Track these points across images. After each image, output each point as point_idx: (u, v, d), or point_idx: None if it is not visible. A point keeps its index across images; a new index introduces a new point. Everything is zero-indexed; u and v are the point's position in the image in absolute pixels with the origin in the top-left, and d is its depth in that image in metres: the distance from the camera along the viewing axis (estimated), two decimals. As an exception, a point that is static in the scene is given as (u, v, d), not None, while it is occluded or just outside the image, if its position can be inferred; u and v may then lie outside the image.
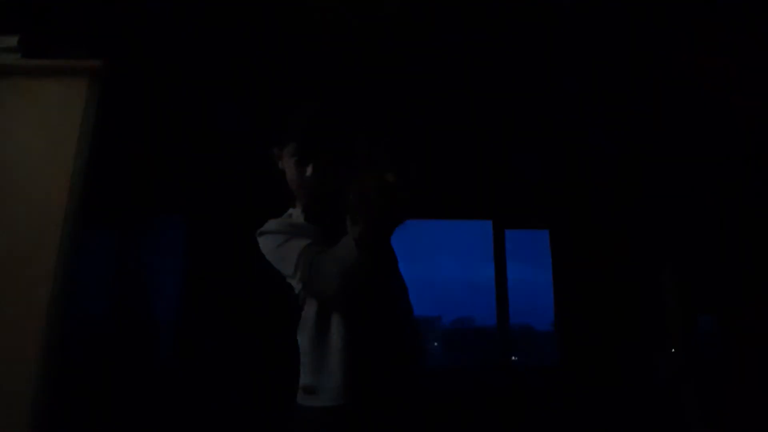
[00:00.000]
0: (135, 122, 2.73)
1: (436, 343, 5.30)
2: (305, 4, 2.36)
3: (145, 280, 2.21)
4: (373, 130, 3.50)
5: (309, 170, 1.27)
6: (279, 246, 1.29)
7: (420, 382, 1.29)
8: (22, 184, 1.45)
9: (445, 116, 3.37)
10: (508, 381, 3.43)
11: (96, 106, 1.53)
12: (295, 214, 1.37)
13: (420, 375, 1.31)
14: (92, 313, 1.62)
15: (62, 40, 1.75)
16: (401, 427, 1.18)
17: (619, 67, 2.81)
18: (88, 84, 1.53)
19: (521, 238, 3.82)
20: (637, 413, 3.33)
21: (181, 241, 2.94)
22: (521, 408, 3.35)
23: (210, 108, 3.23)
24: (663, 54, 2.67)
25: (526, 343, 3.83)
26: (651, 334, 3.51)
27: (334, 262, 1.15)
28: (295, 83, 3.01)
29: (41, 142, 1.48)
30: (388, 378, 1.22)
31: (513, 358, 3.58)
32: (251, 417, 3.25)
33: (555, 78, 2.93)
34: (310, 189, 1.29)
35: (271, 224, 1.34)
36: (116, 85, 1.66)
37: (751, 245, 3.44)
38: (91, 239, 1.54)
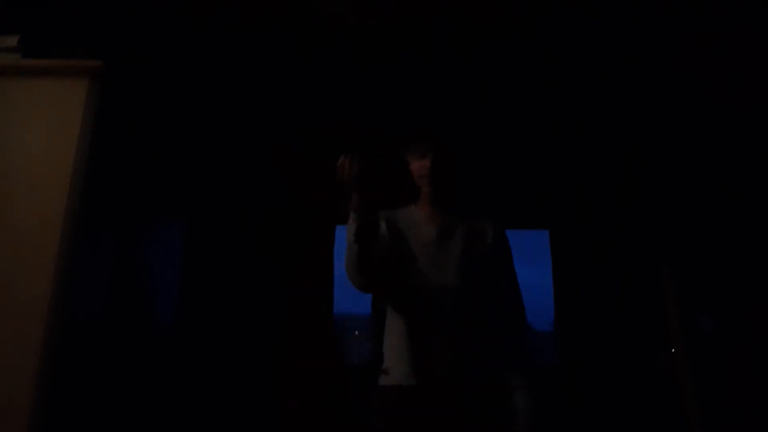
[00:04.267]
0: (135, 122, 2.72)
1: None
2: (305, 4, 2.36)
3: (145, 280, 2.21)
4: (373, 130, 3.51)
5: (425, 164, 1.61)
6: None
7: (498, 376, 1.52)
8: (22, 184, 1.45)
9: (445, 116, 3.37)
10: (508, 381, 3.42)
11: (96, 106, 1.53)
12: (412, 208, 1.67)
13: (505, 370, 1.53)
14: (92, 313, 1.62)
15: (62, 40, 1.75)
16: (459, 409, 1.38)
17: (619, 67, 2.81)
18: (88, 84, 1.54)
19: (521, 238, 3.82)
20: (637, 413, 3.33)
21: (181, 241, 2.94)
22: (521, 408, 3.35)
23: (210, 108, 3.23)
24: (663, 54, 2.67)
25: (526, 343, 3.82)
26: (651, 334, 3.51)
27: (347, 261, 1.44)
28: (295, 83, 3.01)
29: (41, 142, 1.48)
30: (450, 364, 1.41)
31: (513, 358, 3.58)
32: (251, 418, 3.25)
33: (554, 77, 2.93)
34: (428, 184, 1.61)
35: (382, 212, 1.64)
36: (116, 85, 1.66)
37: (751, 245, 3.44)
38: (90, 239, 1.54)
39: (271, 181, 3.71)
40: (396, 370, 1.46)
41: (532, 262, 3.89)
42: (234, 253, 3.54)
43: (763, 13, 2.32)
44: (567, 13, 2.39)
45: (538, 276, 3.78)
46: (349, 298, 3.62)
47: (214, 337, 3.36)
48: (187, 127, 3.17)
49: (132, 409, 2.08)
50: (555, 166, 3.80)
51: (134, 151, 2.03)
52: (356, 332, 3.78)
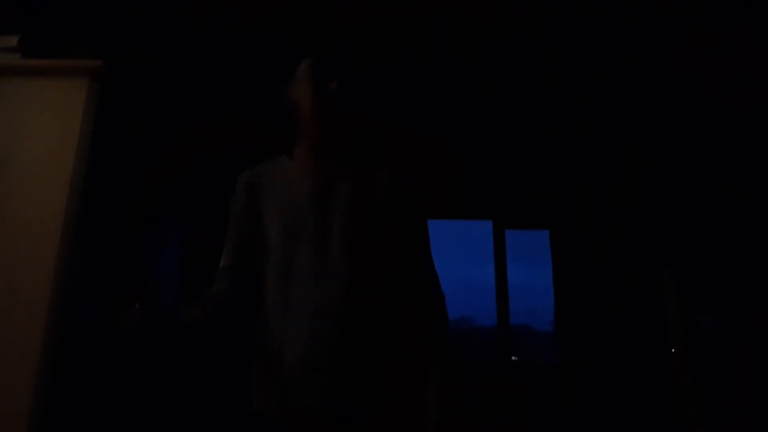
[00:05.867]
0: (135, 122, 2.73)
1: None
2: (305, 4, 2.36)
3: (144, 281, 2.21)
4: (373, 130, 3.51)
5: (332, 85, 1.13)
6: (228, 221, 1.22)
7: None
8: (22, 184, 1.45)
9: (445, 116, 3.37)
10: (508, 381, 3.43)
11: (96, 106, 1.53)
12: (283, 161, 1.20)
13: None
14: (92, 313, 1.63)
15: (62, 40, 1.75)
16: None
17: (619, 67, 2.81)
18: (88, 84, 1.53)
19: (521, 238, 3.82)
20: (637, 413, 3.32)
21: (180, 241, 2.94)
22: (521, 408, 3.35)
23: (210, 108, 3.23)
24: (663, 54, 2.67)
25: (526, 343, 3.83)
26: (651, 334, 3.51)
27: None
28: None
29: (41, 142, 1.48)
30: (330, 381, 1.00)
31: (513, 358, 3.58)
32: (250, 418, 3.24)
33: (554, 77, 2.93)
34: (326, 112, 1.12)
35: (242, 175, 1.21)
36: (116, 85, 1.66)
37: (750, 245, 3.44)
38: (91, 239, 1.54)
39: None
40: (260, 391, 1.11)
41: (532, 262, 3.89)
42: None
43: (763, 13, 2.32)
44: (567, 13, 2.39)
45: (538, 276, 3.78)
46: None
47: (214, 337, 3.36)
48: (187, 126, 3.16)
49: (132, 409, 2.08)
50: (555, 166, 3.80)
51: (135, 151, 2.03)
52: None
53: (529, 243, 3.85)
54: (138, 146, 2.93)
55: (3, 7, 2.02)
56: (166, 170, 3.19)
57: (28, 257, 1.38)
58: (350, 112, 1.17)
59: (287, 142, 1.21)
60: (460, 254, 4.27)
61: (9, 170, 1.46)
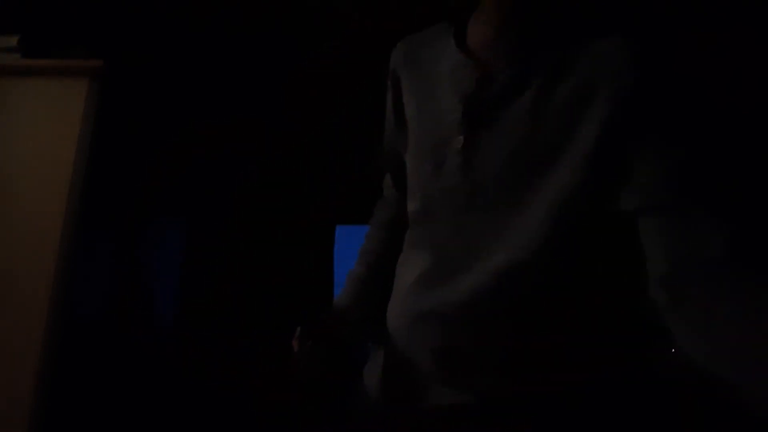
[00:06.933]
0: (135, 122, 2.73)
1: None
2: (305, 4, 2.37)
3: (145, 280, 2.21)
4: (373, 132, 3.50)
5: None
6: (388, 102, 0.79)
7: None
8: (22, 184, 1.45)
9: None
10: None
11: (96, 106, 1.54)
12: (449, 44, 0.74)
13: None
14: (92, 312, 1.63)
15: (62, 40, 1.75)
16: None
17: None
18: (88, 84, 1.54)
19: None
20: (636, 413, 3.33)
21: (181, 242, 2.94)
22: (521, 408, 3.35)
23: (210, 108, 3.24)
24: (663, 54, 2.67)
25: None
26: (651, 333, 3.51)
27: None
28: (296, 83, 3.02)
29: (41, 142, 1.48)
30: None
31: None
32: (249, 419, 3.24)
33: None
34: None
35: (400, 44, 0.82)
36: (116, 85, 1.66)
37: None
38: (91, 239, 1.54)
39: (272, 181, 3.71)
40: (370, 371, 0.78)
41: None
42: (234, 253, 3.54)
43: (763, 13, 2.32)
44: (567, 12, 2.39)
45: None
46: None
47: (214, 338, 3.36)
48: (187, 126, 3.17)
49: (132, 409, 2.09)
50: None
51: (135, 151, 2.03)
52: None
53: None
54: (138, 146, 2.93)
55: (3, 7, 2.02)
56: (166, 170, 3.19)
57: (29, 257, 1.38)
58: None
59: (456, 18, 0.76)
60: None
61: (9, 170, 1.46)
